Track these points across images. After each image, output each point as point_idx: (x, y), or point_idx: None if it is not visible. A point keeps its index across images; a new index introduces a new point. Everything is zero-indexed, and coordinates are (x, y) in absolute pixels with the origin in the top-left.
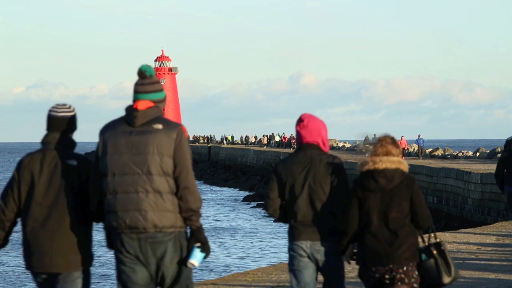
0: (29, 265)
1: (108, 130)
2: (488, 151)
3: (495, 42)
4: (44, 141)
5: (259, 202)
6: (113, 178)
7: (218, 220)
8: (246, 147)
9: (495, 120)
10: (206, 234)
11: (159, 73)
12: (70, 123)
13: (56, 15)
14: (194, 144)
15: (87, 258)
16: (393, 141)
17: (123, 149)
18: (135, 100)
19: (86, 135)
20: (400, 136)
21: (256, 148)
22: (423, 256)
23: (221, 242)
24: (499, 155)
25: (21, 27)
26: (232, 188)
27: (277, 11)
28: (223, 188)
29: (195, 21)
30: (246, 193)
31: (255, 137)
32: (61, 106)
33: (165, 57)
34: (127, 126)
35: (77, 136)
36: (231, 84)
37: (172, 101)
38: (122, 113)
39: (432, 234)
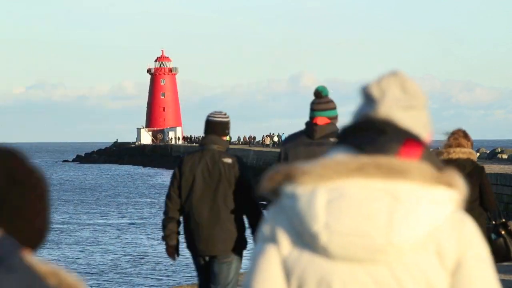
0: (192, 250)
1: (289, 141)
2: (488, 152)
3: (495, 42)
4: (203, 142)
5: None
6: None
7: None
8: (249, 147)
9: (495, 120)
10: None
11: (159, 74)
12: (224, 127)
13: (56, 15)
14: (193, 145)
15: (242, 243)
16: (465, 134)
17: (303, 157)
18: (313, 116)
19: (86, 135)
20: None
21: (257, 149)
22: (493, 236)
23: None
24: (499, 155)
25: (21, 28)
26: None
27: (277, 11)
28: None
29: (195, 21)
30: None
31: (253, 138)
32: (218, 113)
33: (165, 57)
34: (307, 138)
35: (76, 137)
36: (231, 85)
37: (172, 102)
38: (122, 113)
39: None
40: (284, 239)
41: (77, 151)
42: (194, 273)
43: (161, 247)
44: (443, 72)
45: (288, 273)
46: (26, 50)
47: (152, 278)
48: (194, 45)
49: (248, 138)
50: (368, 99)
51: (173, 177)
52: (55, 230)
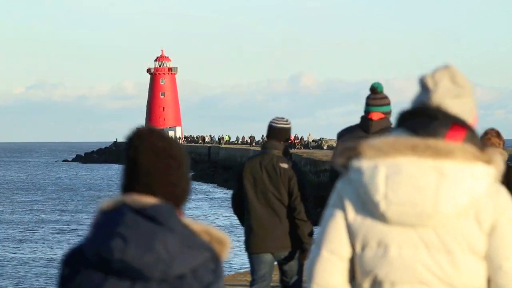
0: (251, 247)
1: (346, 134)
2: None
3: (495, 42)
4: (264, 146)
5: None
6: None
7: (218, 220)
8: (249, 147)
9: (495, 120)
10: None
11: (159, 73)
12: (286, 133)
13: (56, 15)
14: (193, 145)
15: (298, 241)
16: (498, 134)
17: None
18: (368, 111)
19: (86, 135)
20: None
21: (257, 149)
22: None
23: None
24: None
25: (21, 28)
26: (233, 190)
27: (277, 11)
28: (223, 189)
29: (195, 21)
30: None
31: (253, 138)
32: (280, 119)
33: (165, 57)
34: (363, 132)
35: (76, 137)
36: (231, 85)
37: (172, 102)
38: (122, 113)
39: None
40: (350, 207)
41: (77, 151)
42: None
43: None
44: None
45: (352, 235)
46: (26, 50)
47: None
48: (194, 45)
49: (249, 138)
50: (424, 88)
51: (237, 179)
52: (60, 231)
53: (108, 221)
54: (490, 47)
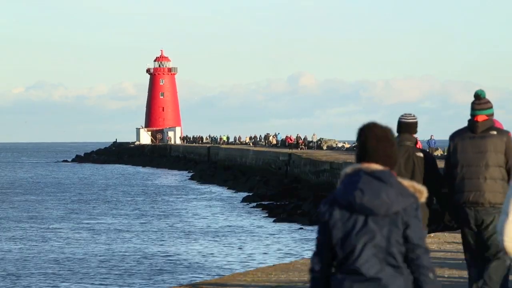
0: None
1: (457, 136)
2: None
3: (495, 42)
4: (398, 140)
5: (259, 203)
6: (461, 169)
7: (217, 220)
8: (249, 148)
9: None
10: (207, 234)
11: (158, 74)
12: (415, 126)
13: (56, 15)
14: (193, 145)
15: (432, 221)
16: None
17: (469, 149)
18: (474, 115)
19: (85, 135)
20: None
21: (256, 149)
22: None
23: (220, 242)
24: None
25: (21, 28)
26: (232, 190)
27: (277, 11)
28: (223, 189)
29: (195, 21)
30: (245, 193)
31: (254, 137)
32: (408, 115)
33: (165, 57)
34: (471, 133)
35: (76, 137)
36: (230, 85)
37: (172, 102)
38: (122, 113)
39: None
40: None
41: (76, 151)
42: (193, 274)
43: (161, 248)
44: (442, 72)
45: None
46: (26, 50)
47: (151, 278)
48: (193, 45)
49: (253, 138)
50: None
51: None
52: (60, 230)
53: (353, 180)
54: (490, 47)
